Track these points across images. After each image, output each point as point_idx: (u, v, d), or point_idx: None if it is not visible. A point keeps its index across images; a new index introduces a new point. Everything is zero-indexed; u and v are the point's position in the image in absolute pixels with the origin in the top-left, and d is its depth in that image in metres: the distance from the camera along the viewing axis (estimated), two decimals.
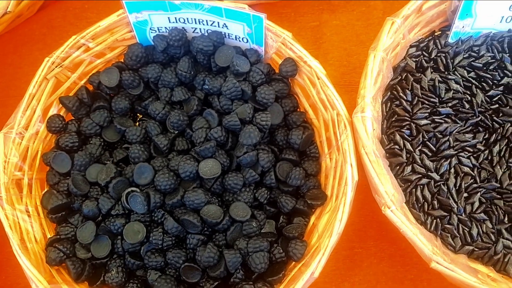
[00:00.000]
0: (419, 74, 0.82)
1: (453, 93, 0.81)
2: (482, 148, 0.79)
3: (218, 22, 0.79)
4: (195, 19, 0.79)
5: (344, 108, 0.74)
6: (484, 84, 0.82)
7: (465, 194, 0.77)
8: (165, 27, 0.82)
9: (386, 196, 0.69)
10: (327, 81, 0.74)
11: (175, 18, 0.79)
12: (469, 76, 0.82)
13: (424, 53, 0.84)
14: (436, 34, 0.86)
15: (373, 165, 0.70)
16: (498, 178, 0.77)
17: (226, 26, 0.79)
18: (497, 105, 0.81)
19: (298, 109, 0.83)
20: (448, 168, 0.78)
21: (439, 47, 0.85)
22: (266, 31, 0.77)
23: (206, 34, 0.82)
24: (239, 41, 0.82)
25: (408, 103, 0.81)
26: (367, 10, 0.99)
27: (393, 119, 0.81)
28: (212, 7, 0.76)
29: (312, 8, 1.00)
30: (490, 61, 0.82)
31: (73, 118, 0.85)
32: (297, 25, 1.00)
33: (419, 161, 0.78)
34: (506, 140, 0.79)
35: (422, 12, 0.78)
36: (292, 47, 0.76)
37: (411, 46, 0.84)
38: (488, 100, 0.81)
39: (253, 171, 0.77)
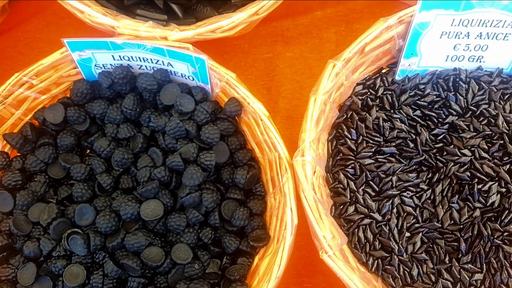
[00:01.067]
0: (364, 112, 0.83)
1: (398, 132, 0.81)
2: (425, 187, 0.80)
3: (162, 61, 0.79)
4: (139, 57, 0.79)
5: (285, 151, 0.74)
6: (430, 122, 0.83)
7: (407, 234, 0.78)
8: (110, 64, 0.81)
9: (323, 241, 0.69)
10: (269, 123, 0.74)
11: (119, 56, 0.79)
12: (414, 115, 0.83)
13: (370, 91, 0.85)
14: (383, 71, 0.87)
15: (311, 209, 0.71)
16: (440, 218, 0.78)
17: (171, 65, 0.79)
18: (441, 144, 0.82)
19: (245, 147, 0.83)
20: (390, 208, 0.78)
21: (386, 84, 0.85)
22: (210, 71, 0.77)
23: (152, 71, 0.81)
24: (186, 78, 0.81)
25: (353, 142, 0.82)
26: (320, 43, 0.99)
27: (338, 157, 0.82)
28: (154, 47, 0.75)
29: (265, 40, 1.00)
30: (435, 99, 0.83)
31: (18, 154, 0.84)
32: (251, 56, 1.00)
33: (362, 201, 0.78)
34: (449, 180, 0.79)
35: (365, 53, 0.79)
36: (235, 88, 0.76)
37: (357, 84, 0.85)
38: (433, 138, 0.82)
39: (197, 212, 0.77)
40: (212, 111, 0.79)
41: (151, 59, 0.79)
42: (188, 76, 0.80)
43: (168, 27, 0.81)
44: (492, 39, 0.81)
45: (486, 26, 0.79)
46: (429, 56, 0.83)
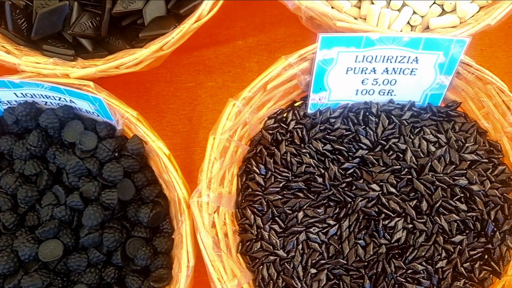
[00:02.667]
0: (273, 147, 0.82)
1: (306, 167, 0.81)
2: (333, 223, 0.79)
3: (64, 98, 0.78)
4: (41, 94, 0.78)
5: (184, 191, 0.73)
6: (340, 156, 0.82)
7: (313, 270, 0.77)
8: (15, 101, 0.80)
9: (217, 284, 0.69)
10: (168, 163, 0.73)
11: (21, 93, 0.78)
12: (324, 149, 0.82)
13: (282, 124, 0.84)
14: (296, 104, 0.87)
15: (207, 252, 0.70)
16: (345, 255, 0.78)
17: (74, 102, 0.78)
18: (351, 178, 0.81)
19: (153, 183, 0.82)
20: (295, 245, 0.78)
21: (298, 118, 0.85)
22: (110, 108, 0.76)
23: (57, 106, 0.80)
24: (91, 114, 0.81)
25: (262, 177, 0.81)
26: (242, 72, 0.99)
27: (247, 193, 0.81)
28: (52, 86, 0.74)
29: (188, 69, 0.99)
30: (345, 133, 0.83)
31: None
32: (173, 85, 0.99)
33: (267, 238, 0.78)
34: (356, 215, 0.79)
35: (269, 90, 0.78)
36: (136, 127, 0.75)
37: (268, 118, 0.85)
38: (343, 173, 0.82)
39: (98, 252, 0.76)
40: (115, 148, 0.78)
41: (53, 96, 0.78)
42: (93, 112, 0.80)
43: (72, 63, 0.80)
44: (399, 74, 0.80)
45: (391, 62, 0.78)
46: (338, 90, 0.83)
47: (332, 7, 0.89)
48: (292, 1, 0.79)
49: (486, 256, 0.78)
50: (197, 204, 0.71)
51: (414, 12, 0.86)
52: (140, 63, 0.79)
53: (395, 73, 0.80)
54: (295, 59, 0.75)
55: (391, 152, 0.82)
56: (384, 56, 0.78)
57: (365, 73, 0.80)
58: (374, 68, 0.79)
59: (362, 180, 0.81)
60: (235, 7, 1.01)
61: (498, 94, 0.78)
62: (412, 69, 0.79)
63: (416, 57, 0.77)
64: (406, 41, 0.75)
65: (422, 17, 0.87)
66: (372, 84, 0.82)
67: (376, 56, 0.77)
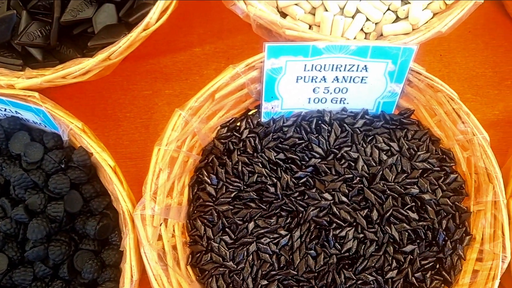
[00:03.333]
0: (225, 157, 0.81)
1: (258, 176, 0.80)
2: (284, 233, 0.78)
3: (10, 109, 0.76)
4: None
5: (128, 204, 0.72)
6: (293, 165, 0.81)
7: (264, 282, 0.76)
8: None
9: None
10: (112, 175, 0.72)
11: None
12: (277, 158, 0.81)
13: (235, 133, 0.83)
14: (250, 113, 0.86)
15: (150, 266, 0.69)
16: (296, 265, 0.77)
17: (19, 113, 0.77)
18: (303, 188, 0.80)
19: (103, 194, 0.81)
20: (245, 256, 0.77)
21: (251, 127, 0.84)
22: (56, 119, 0.75)
23: (3, 117, 0.79)
24: (38, 125, 0.79)
25: (213, 187, 0.80)
26: (200, 80, 0.98)
27: (198, 204, 0.80)
28: None
29: (145, 77, 0.98)
30: (298, 142, 0.82)
31: None
32: (130, 93, 0.98)
33: (217, 249, 0.77)
34: (308, 224, 0.78)
35: (217, 100, 0.77)
36: (80, 138, 0.74)
37: (221, 127, 0.84)
38: (296, 182, 0.81)
39: (43, 265, 0.75)
40: (61, 160, 0.77)
41: None
42: (40, 123, 0.78)
43: (19, 73, 0.79)
44: (350, 82, 0.80)
45: (340, 71, 0.78)
46: (290, 99, 0.82)
47: (287, 15, 0.88)
48: (241, 9, 0.78)
49: (437, 266, 0.78)
50: (140, 217, 0.70)
51: (368, 19, 0.85)
52: (87, 73, 0.78)
53: (345, 81, 0.80)
54: (242, 69, 0.74)
55: (343, 161, 0.81)
56: (333, 65, 0.77)
57: (316, 82, 0.79)
58: (324, 76, 0.79)
59: (315, 189, 0.80)
60: (193, 14, 1.01)
61: (449, 102, 0.77)
62: (362, 77, 0.79)
63: (365, 66, 0.77)
64: (353, 50, 0.74)
65: (376, 24, 0.87)
66: (324, 92, 0.81)
67: (325, 64, 0.77)
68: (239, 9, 0.78)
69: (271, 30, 0.79)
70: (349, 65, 0.77)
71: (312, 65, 0.76)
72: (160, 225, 0.73)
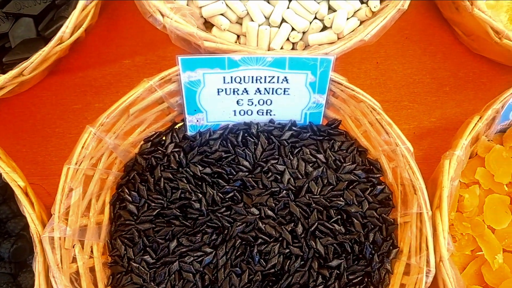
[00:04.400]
0: (147, 173, 0.79)
1: (181, 192, 0.77)
2: (208, 250, 0.76)
3: None
4: None
5: (38, 226, 0.69)
6: (220, 180, 0.79)
7: None
8: None
9: None
10: (21, 196, 0.69)
11: None
12: (203, 172, 0.79)
13: (159, 148, 0.81)
14: (176, 126, 0.83)
15: None
16: (220, 284, 0.74)
17: None
18: (230, 202, 0.78)
19: (20, 215, 0.78)
20: (167, 276, 0.74)
21: (177, 140, 0.82)
22: None
23: None
24: None
25: (135, 205, 0.78)
26: None
27: (119, 222, 0.78)
28: None
29: (74, 91, 0.95)
30: (224, 156, 0.80)
31: None
32: (59, 108, 0.95)
33: (137, 270, 0.74)
34: (234, 241, 0.76)
35: (135, 115, 0.75)
36: None
37: (145, 141, 0.81)
38: (223, 196, 0.78)
39: None
40: None
41: None
42: None
43: None
44: (273, 94, 0.78)
45: (261, 82, 0.76)
46: (215, 112, 0.80)
47: (213, 25, 0.86)
48: (158, 20, 0.76)
49: (366, 280, 0.76)
50: (48, 240, 0.67)
51: (293, 29, 0.84)
52: (0, 90, 0.75)
53: (268, 93, 0.78)
54: (157, 82, 0.72)
55: (270, 174, 0.79)
56: (253, 77, 0.75)
57: (238, 94, 0.77)
58: (245, 88, 0.77)
59: (242, 203, 0.78)
60: (124, 26, 0.98)
61: (372, 113, 0.76)
62: (284, 88, 0.77)
63: (285, 77, 0.75)
64: (270, 62, 0.72)
65: (303, 33, 0.85)
66: (248, 104, 0.79)
67: (244, 76, 0.75)
68: (156, 20, 0.76)
69: (189, 41, 0.77)
70: (269, 76, 0.75)
71: (231, 77, 0.74)
72: (73, 246, 0.70)
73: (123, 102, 0.71)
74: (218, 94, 0.77)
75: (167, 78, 0.73)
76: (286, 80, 0.75)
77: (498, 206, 0.81)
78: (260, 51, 0.77)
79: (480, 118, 0.77)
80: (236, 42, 0.87)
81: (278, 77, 0.75)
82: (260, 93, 0.78)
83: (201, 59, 0.71)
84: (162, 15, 0.75)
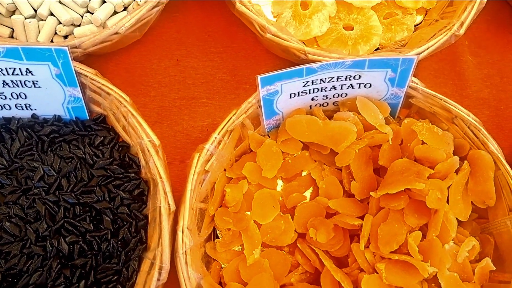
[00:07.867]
0: None
1: None
2: None
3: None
4: None
5: None
6: None
7: None
8: None
9: None
10: None
11: None
12: None
13: None
14: None
15: None
16: None
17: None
18: None
19: None
20: None
21: None
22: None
23: None
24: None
25: None
26: None
27: None
28: None
29: None
30: None
31: None
32: None
33: None
34: None
35: None
36: None
37: None
38: None
39: None
40: None
41: None
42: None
43: None
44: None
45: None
46: None
47: None
48: None
49: (114, 278, 0.73)
50: None
51: (60, 22, 0.81)
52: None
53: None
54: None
55: (24, 171, 0.76)
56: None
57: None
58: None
59: None
60: None
61: (122, 106, 0.74)
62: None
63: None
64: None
65: (73, 25, 0.83)
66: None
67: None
68: None
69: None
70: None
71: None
72: None
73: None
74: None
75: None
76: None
77: (266, 201, 0.80)
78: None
79: (235, 112, 0.77)
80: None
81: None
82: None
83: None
84: None
